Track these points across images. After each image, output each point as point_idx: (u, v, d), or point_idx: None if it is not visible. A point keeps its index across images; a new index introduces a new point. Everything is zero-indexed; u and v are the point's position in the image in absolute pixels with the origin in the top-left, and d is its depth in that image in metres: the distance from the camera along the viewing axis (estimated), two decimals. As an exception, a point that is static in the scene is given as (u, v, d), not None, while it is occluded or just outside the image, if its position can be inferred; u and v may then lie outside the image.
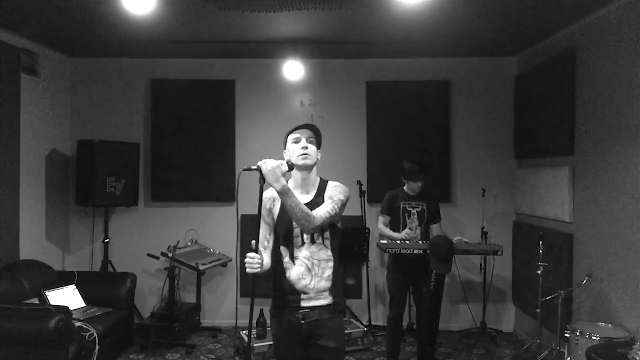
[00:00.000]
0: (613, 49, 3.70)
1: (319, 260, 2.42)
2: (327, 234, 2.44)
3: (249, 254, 2.28)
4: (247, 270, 2.27)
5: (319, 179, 2.53)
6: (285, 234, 2.45)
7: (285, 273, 2.43)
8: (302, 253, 2.42)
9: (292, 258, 2.43)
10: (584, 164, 4.07)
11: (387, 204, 4.37)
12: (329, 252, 2.45)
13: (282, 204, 2.42)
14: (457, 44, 4.95)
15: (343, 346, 2.51)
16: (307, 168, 2.45)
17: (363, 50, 5.22)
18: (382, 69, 5.50)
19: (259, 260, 2.28)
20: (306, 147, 2.43)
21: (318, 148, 2.50)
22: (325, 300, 2.42)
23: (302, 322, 2.40)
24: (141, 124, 5.59)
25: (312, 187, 2.50)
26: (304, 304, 2.41)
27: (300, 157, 2.42)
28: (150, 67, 5.56)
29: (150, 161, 5.55)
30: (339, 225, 2.51)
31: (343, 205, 2.45)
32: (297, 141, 2.45)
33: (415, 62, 5.49)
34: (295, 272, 2.42)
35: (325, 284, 2.43)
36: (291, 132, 2.50)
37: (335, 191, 2.47)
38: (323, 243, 2.43)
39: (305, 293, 2.41)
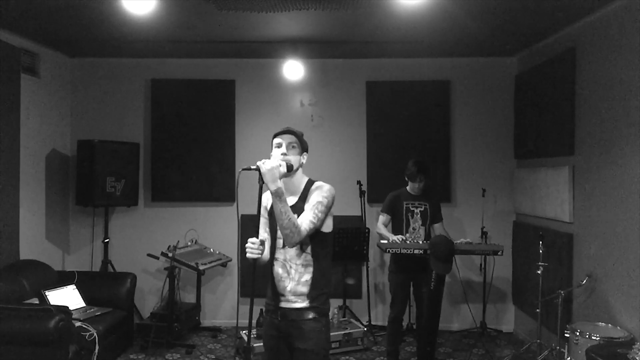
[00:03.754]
0: (613, 49, 3.70)
1: (297, 265, 2.44)
2: (306, 240, 2.42)
3: (250, 239, 2.30)
4: (247, 255, 2.30)
5: (305, 180, 2.53)
6: (271, 235, 2.52)
7: (272, 271, 2.51)
8: (283, 255, 2.47)
9: (273, 259, 2.49)
10: (584, 164, 4.07)
11: (389, 204, 4.37)
12: (309, 258, 2.45)
13: (272, 205, 2.44)
14: (457, 44, 4.95)
15: (319, 348, 2.44)
16: (285, 176, 2.44)
17: (363, 50, 5.22)
18: (382, 69, 5.50)
19: (259, 245, 2.30)
20: (286, 154, 2.44)
21: (305, 151, 2.52)
22: (302, 303, 2.44)
23: (279, 319, 2.46)
24: (141, 124, 5.59)
25: (296, 190, 2.51)
26: (282, 304, 2.46)
27: None
28: (150, 67, 5.56)
29: (150, 161, 5.55)
30: (326, 230, 2.47)
31: (325, 207, 2.42)
32: (278, 146, 2.47)
33: (415, 62, 5.49)
34: (275, 272, 2.48)
35: (302, 288, 2.44)
36: (275, 135, 2.51)
37: (313, 194, 2.45)
38: (302, 248, 2.44)
39: (283, 295, 2.46)
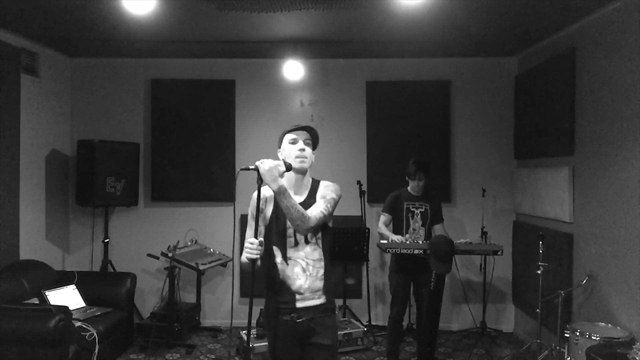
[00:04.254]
0: (613, 49, 3.70)
1: (313, 260, 2.43)
2: (319, 234, 2.44)
3: (249, 239, 2.28)
4: (247, 255, 2.26)
5: (311, 179, 2.53)
6: (278, 234, 2.45)
7: (278, 273, 2.43)
8: (297, 253, 2.43)
9: (286, 258, 2.44)
10: (584, 164, 4.07)
11: (390, 203, 4.37)
12: (321, 252, 2.46)
13: (274, 205, 2.43)
14: (457, 44, 4.95)
15: (336, 344, 2.52)
16: (302, 172, 2.45)
17: (363, 50, 5.22)
18: (382, 69, 5.50)
19: (258, 245, 2.26)
20: (303, 150, 2.43)
21: (313, 150, 2.52)
22: (319, 299, 2.44)
23: (297, 321, 2.41)
24: (141, 124, 5.59)
25: (305, 188, 2.49)
26: (298, 304, 2.41)
27: (297, 159, 2.42)
28: (150, 67, 5.56)
29: (150, 161, 5.55)
30: (330, 224, 2.50)
31: (335, 203, 2.46)
32: (294, 142, 2.45)
33: (415, 62, 5.49)
34: (290, 272, 2.42)
35: (320, 283, 2.44)
36: (288, 132, 2.48)
37: (327, 190, 2.47)
38: (317, 243, 2.44)
39: (300, 293, 2.41)
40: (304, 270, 2.42)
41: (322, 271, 2.44)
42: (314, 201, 2.44)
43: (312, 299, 2.42)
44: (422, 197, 4.35)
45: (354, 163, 5.50)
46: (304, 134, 2.47)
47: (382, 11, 3.92)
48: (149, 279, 5.50)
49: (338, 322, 2.62)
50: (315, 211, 2.37)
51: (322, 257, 2.45)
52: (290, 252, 2.43)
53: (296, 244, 2.43)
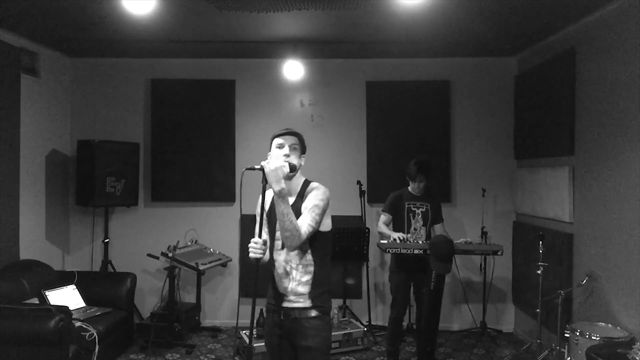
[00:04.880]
0: (613, 49, 3.70)
1: (297, 265, 2.44)
2: (306, 242, 2.41)
3: (253, 239, 2.30)
4: (250, 255, 2.29)
5: (302, 181, 2.53)
6: (270, 236, 2.51)
7: (272, 272, 2.52)
8: (281, 257, 2.46)
9: (272, 260, 2.49)
10: (584, 164, 4.07)
11: (390, 203, 4.37)
12: (309, 257, 2.44)
13: (270, 206, 2.45)
14: (457, 44, 4.95)
15: (322, 346, 2.45)
16: (287, 177, 2.43)
17: (363, 50, 5.22)
18: (382, 69, 5.50)
19: (262, 245, 2.29)
20: (288, 156, 2.44)
21: (303, 153, 2.52)
22: (304, 303, 2.44)
23: (282, 319, 2.45)
24: (141, 124, 5.59)
25: (294, 190, 2.50)
26: (284, 304, 2.46)
27: None
28: (150, 67, 5.56)
29: (150, 161, 5.55)
30: (324, 229, 2.46)
31: (323, 210, 2.42)
32: (280, 147, 2.47)
33: (415, 62, 5.49)
34: (276, 273, 2.48)
35: (303, 288, 2.44)
36: (277, 136, 2.50)
37: (312, 197, 2.43)
38: (301, 249, 2.43)
39: (285, 295, 2.45)
40: (287, 273, 2.44)
41: (307, 277, 2.43)
42: (301, 205, 2.44)
43: (297, 302, 2.44)
44: (423, 197, 4.35)
45: (354, 163, 5.50)
46: (291, 139, 2.48)
47: (382, 11, 3.92)
48: (149, 279, 5.50)
49: (330, 325, 2.58)
50: (304, 226, 2.34)
51: (311, 263, 2.44)
52: (276, 255, 2.48)
53: (282, 247, 2.45)
